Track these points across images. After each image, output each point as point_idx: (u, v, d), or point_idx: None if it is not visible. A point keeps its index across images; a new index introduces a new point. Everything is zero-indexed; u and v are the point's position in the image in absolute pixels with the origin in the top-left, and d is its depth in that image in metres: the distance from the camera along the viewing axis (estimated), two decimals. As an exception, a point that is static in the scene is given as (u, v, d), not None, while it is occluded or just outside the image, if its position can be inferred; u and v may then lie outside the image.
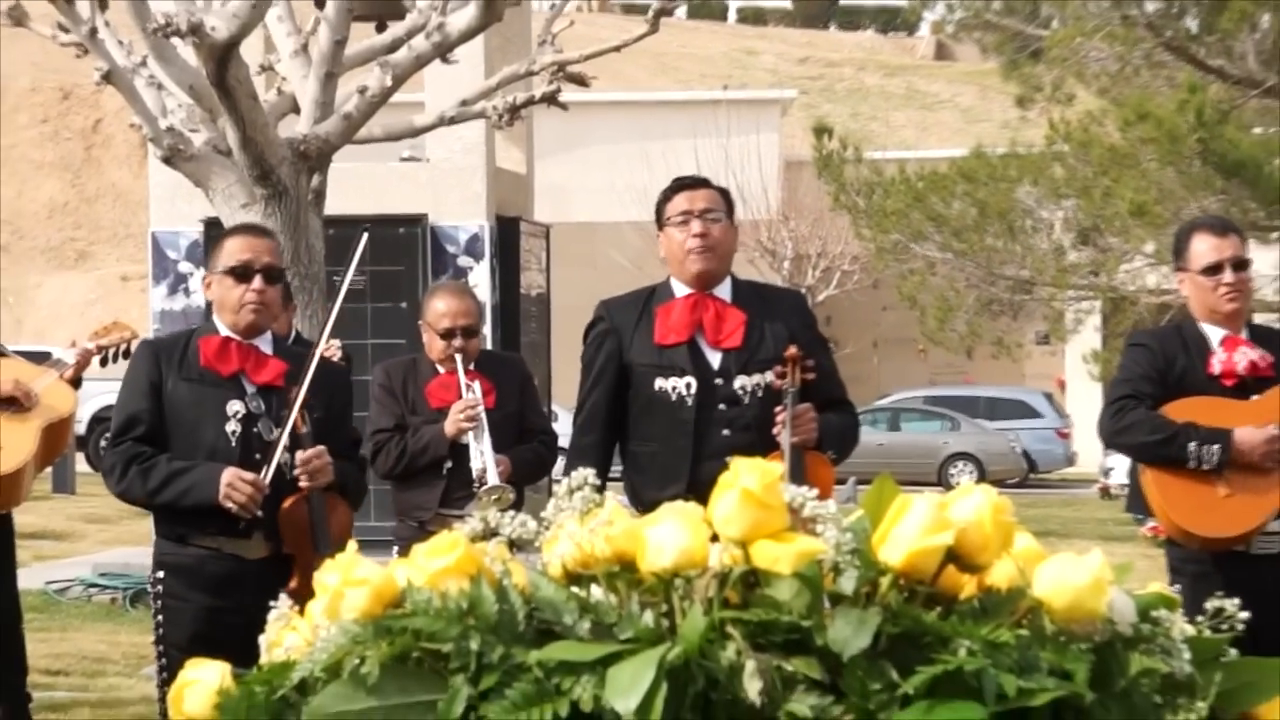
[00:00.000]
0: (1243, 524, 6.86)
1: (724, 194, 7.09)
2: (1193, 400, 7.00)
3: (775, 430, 6.50)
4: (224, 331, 6.83)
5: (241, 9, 11.57)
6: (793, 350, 6.48)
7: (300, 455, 6.61)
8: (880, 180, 15.88)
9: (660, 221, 6.96)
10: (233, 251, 6.81)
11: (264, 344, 6.87)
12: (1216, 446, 6.83)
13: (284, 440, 6.62)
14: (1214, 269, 7.16)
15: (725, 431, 6.58)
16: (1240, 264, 7.23)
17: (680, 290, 6.71)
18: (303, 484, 6.59)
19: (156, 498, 6.70)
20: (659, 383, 6.59)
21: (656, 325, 6.69)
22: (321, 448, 6.68)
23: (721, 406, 6.60)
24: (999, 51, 16.76)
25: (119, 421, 6.84)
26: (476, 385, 8.13)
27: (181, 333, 7.34)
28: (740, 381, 6.57)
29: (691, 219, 6.68)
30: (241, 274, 6.70)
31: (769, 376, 6.55)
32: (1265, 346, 7.16)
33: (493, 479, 7.87)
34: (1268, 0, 14.22)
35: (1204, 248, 7.27)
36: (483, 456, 7.98)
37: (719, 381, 6.61)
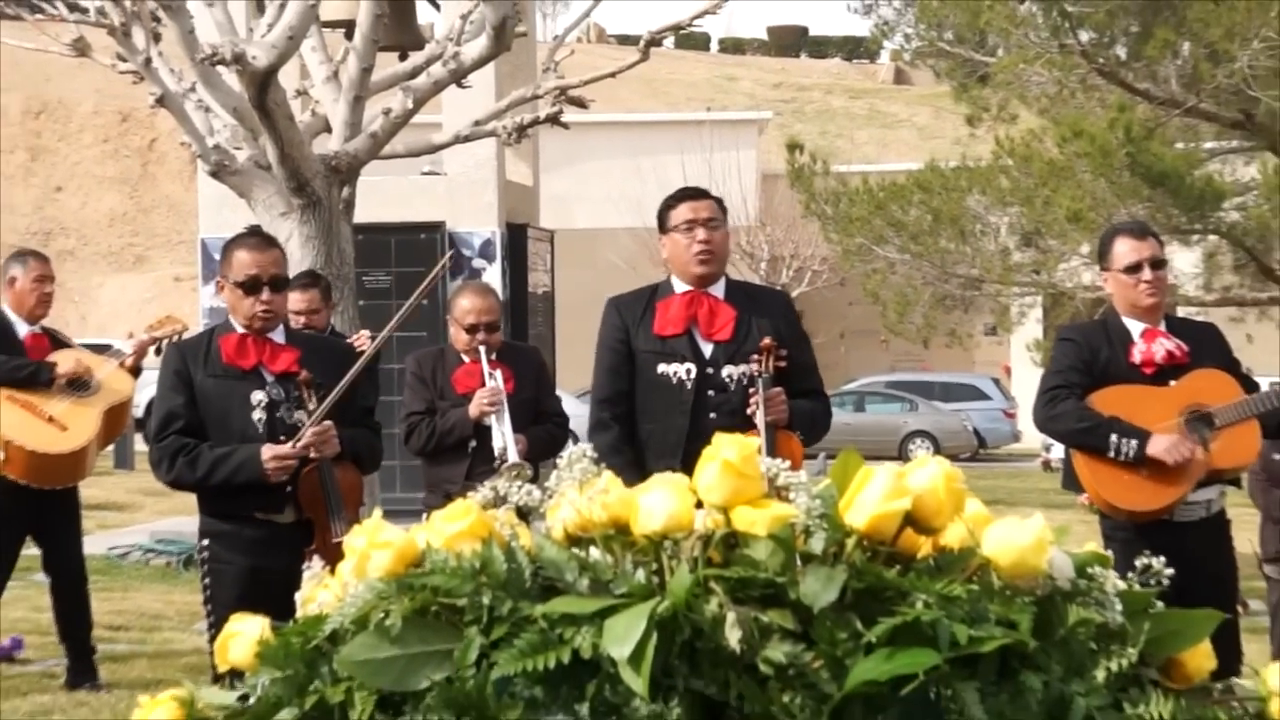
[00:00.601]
0: (1161, 500, 6.97)
1: (720, 203, 7.11)
2: (1116, 389, 7.11)
3: (750, 410, 6.53)
4: (240, 329, 6.92)
5: (279, 40, 11.60)
6: (767, 341, 6.50)
7: (309, 434, 6.72)
8: (846, 190, 15.88)
9: (664, 227, 6.96)
10: (242, 265, 6.87)
11: (277, 335, 6.97)
12: (1135, 442, 6.94)
13: (312, 424, 6.74)
14: (1134, 268, 7.24)
15: (713, 415, 6.55)
16: (1157, 263, 7.31)
17: (680, 288, 6.72)
18: (312, 455, 6.69)
19: (208, 481, 6.77)
20: (661, 367, 6.60)
21: (656, 317, 6.71)
22: (328, 423, 6.77)
23: (711, 392, 6.61)
24: (951, 76, 16.72)
25: (159, 418, 6.91)
26: (498, 374, 8.21)
27: (203, 333, 7.41)
28: (727, 370, 6.58)
29: (696, 227, 6.68)
30: (250, 287, 6.79)
31: (754, 367, 6.56)
32: (1182, 337, 7.24)
33: (513, 457, 7.95)
34: (1187, 30, 14.25)
35: (1125, 249, 7.35)
36: (504, 436, 8.06)
37: (709, 370, 6.62)
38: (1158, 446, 6.92)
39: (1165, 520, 6.94)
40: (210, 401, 6.80)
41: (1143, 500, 7.00)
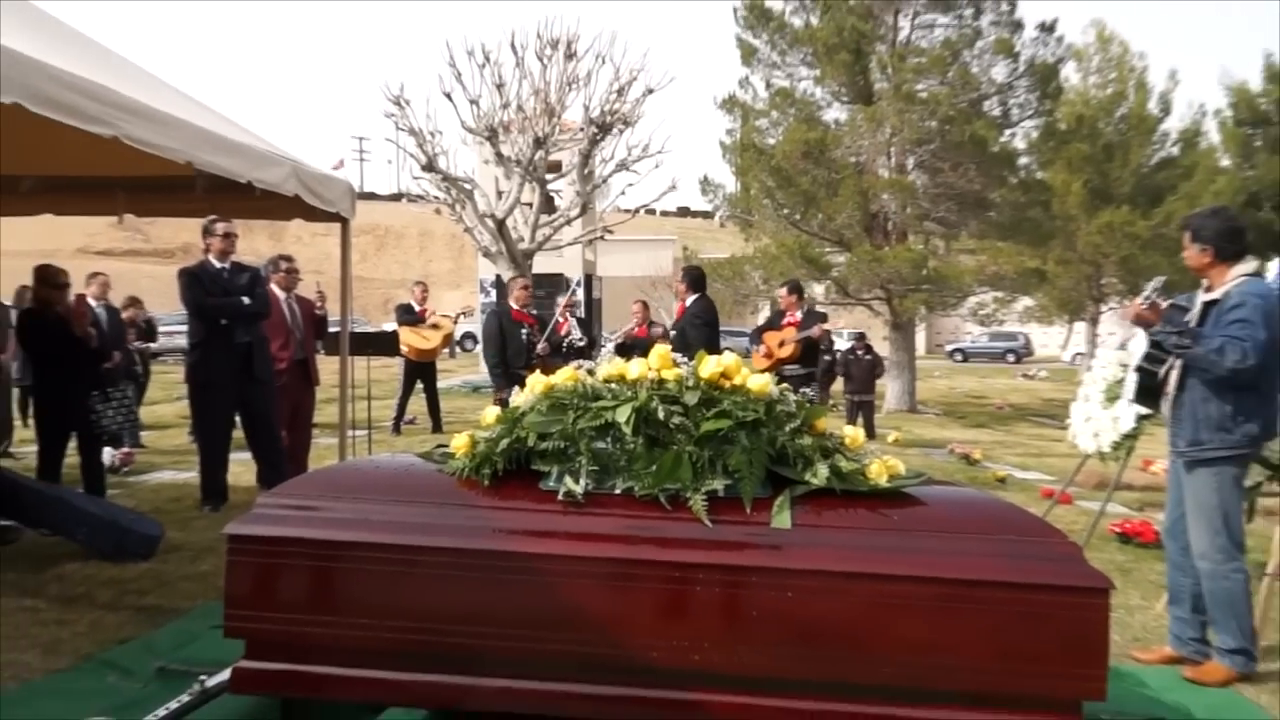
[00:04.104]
0: (764, 364, 6.93)
1: (687, 273, 6.88)
2: (771, 332, 7.19)
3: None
4: (516, 306, 6.95)
5: (507, 207, 11.56)
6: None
7: (540, 346, 6.80)
8: (704, 265, 15.84)
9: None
10: (518, 284, 7.14)
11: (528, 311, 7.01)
12: (763, 345, 7.04)
13: (542, 343, 6.86)
14: (783, 312, 7.28)
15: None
16: (784, 294, 7.30)
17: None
18: (541, 353, 6.77)
19: (496, 367, 6.85)
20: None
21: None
22: (546, 344, 6.84)
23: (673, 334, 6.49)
24: (739, 224, 16.58)
25: (485, 337, 7.10)
26: (572, 320, 8.08)
27: (505, 307, 7.21)
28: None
29: (675, 282, 6.72)
30: (524, 288, 7.07)
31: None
32: (806, 317, 7.22)
33: (576, 334, 7.74)
34: (821, 209, 14.15)
35: (779, 292, 7.41)
36: (576, 331, 7.84)
37: (674, 331, 6.51)
38: (770, 341, 7.05)
39: (779, 373, 6.78)
40: (508, 330, 6.84)
41: (761, 366, 6.91)
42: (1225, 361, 3.09)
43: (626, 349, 7.59)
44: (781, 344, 7.06)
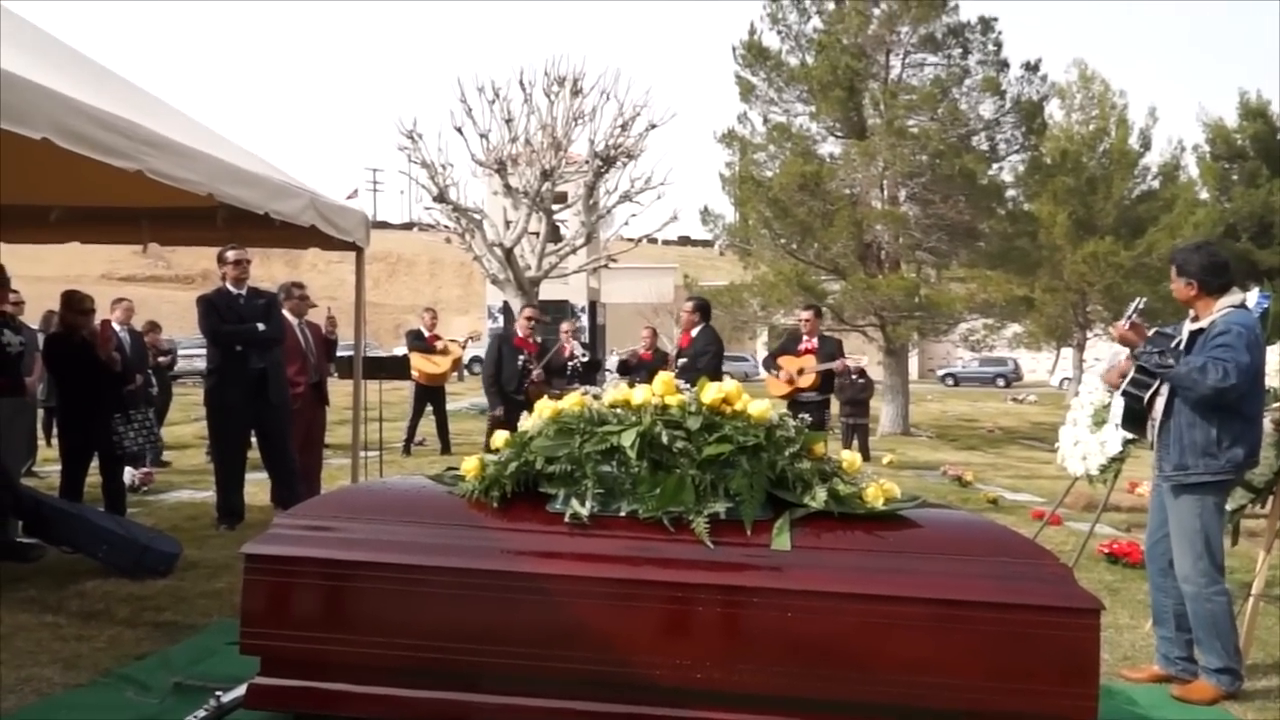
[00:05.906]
0: (784, 390, 6.78)
1: (696, 302, 6.77)
2: (787, 357, 6.94)
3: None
4: (520, 334, 6.90)
5: (515, 237, 11.59)
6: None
7: (535, 373, 6.69)
8: (704, 291, 15.84)
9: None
10: (524, 314, 7.05)
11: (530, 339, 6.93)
12: (782, 370, 6.81)
13: (537, 370, 6.78)
14: (797, 333, 7.14)
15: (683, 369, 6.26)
16: (809, 320, 7.10)
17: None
18: (536, 380, 6.65)
19: (490, 386, 6.81)
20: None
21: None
22: (540, 370, 6.73)
23: (680, 360, 6.38)
24: (739, 253, 16.59)
25: (488, 361, 7.01)
26: (575, 343, 8.01)
27: (509, 332, 7.22)
28: (683, 360, 6.30)
29: (682, 313, 6.58)
30: (531, 318, 6.98)
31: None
32: (820, 341, 7.06)
33: (580, 352, 7.76)
34: (815, 238, 14.19)
35: (804, 313, 7.26)
36: (576, 358, 7.78)
37: (681, 359, 6.39)
38: (789, 367, 6.83)
39: (796, 399, 6.63)
40: (507, 356, 6.79)
41: (780, 391, 6.78)
42: (1207, 380, 3.00)
43: (629, 368, 7.56)
44: (801, 372, 6.96)
